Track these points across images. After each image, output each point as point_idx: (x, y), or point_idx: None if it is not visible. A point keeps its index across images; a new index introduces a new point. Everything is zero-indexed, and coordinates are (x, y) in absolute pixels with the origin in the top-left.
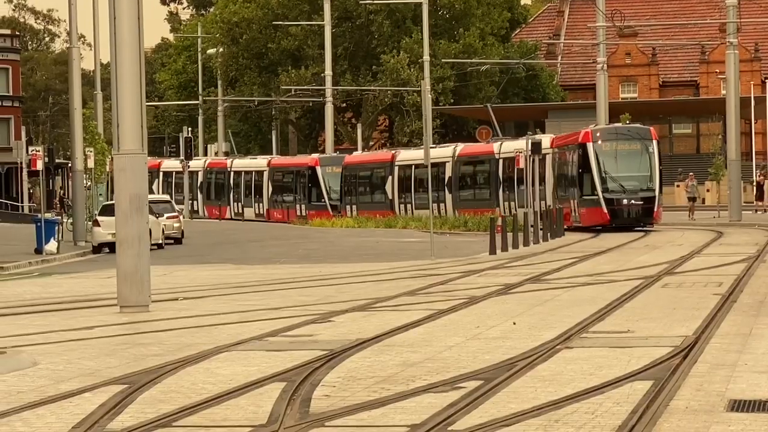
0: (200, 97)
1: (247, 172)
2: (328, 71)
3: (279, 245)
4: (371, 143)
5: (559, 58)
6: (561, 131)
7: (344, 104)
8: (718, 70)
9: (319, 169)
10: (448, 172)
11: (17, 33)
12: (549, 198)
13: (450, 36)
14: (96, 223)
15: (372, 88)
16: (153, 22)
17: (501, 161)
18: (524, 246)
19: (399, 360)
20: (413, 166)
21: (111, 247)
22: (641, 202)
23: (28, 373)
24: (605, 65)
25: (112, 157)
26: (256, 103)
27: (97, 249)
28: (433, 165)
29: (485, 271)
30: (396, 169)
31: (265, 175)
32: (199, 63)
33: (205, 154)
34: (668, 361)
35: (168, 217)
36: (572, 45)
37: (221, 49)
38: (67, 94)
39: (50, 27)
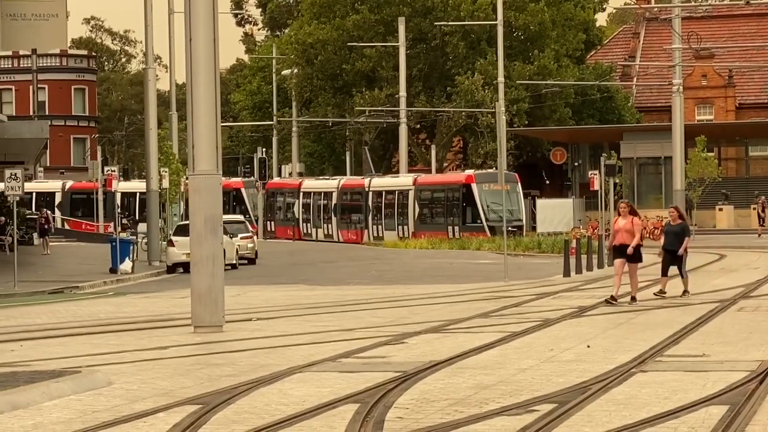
0: (274, 118)
1: None
2: (403, 92)
3: (352, 266)
4: (445, 164)
5: (635, 79)
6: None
7: (418, 125)
8: None
9: (243, 190)
10: (334, 200)
11: (94, 54)
12: (411, 225)
13: (525, 57)
14: (170, 243)
15: (446, 109)
16: (228, 43)
17: (370, 193)
18: (598, 268)
19: (472, 382)
20: (312, 193)
21: (185, 267)
22: (516, 229)
23: (103, 392)
24: (681, 87)
25: (187, 178)
26: (330, 124)
27: (172, 269)
28: (325, 194)
29: (559, 293)
30: (301, 194)
31: None
32: (274, 84)
33: (279, 174)
34: (744, 385)
35: (242, 238)
36: (648, 67)
37: (296, 70)
38: (143, 115)
39: (126, 48)
